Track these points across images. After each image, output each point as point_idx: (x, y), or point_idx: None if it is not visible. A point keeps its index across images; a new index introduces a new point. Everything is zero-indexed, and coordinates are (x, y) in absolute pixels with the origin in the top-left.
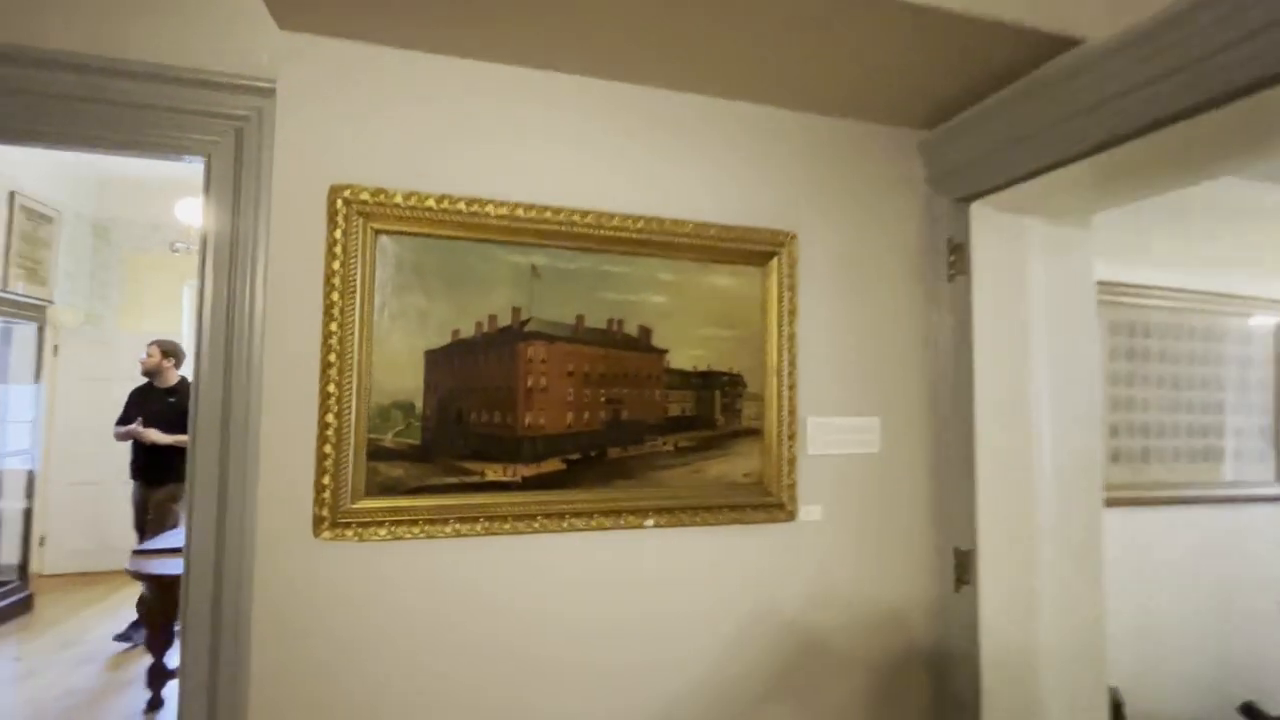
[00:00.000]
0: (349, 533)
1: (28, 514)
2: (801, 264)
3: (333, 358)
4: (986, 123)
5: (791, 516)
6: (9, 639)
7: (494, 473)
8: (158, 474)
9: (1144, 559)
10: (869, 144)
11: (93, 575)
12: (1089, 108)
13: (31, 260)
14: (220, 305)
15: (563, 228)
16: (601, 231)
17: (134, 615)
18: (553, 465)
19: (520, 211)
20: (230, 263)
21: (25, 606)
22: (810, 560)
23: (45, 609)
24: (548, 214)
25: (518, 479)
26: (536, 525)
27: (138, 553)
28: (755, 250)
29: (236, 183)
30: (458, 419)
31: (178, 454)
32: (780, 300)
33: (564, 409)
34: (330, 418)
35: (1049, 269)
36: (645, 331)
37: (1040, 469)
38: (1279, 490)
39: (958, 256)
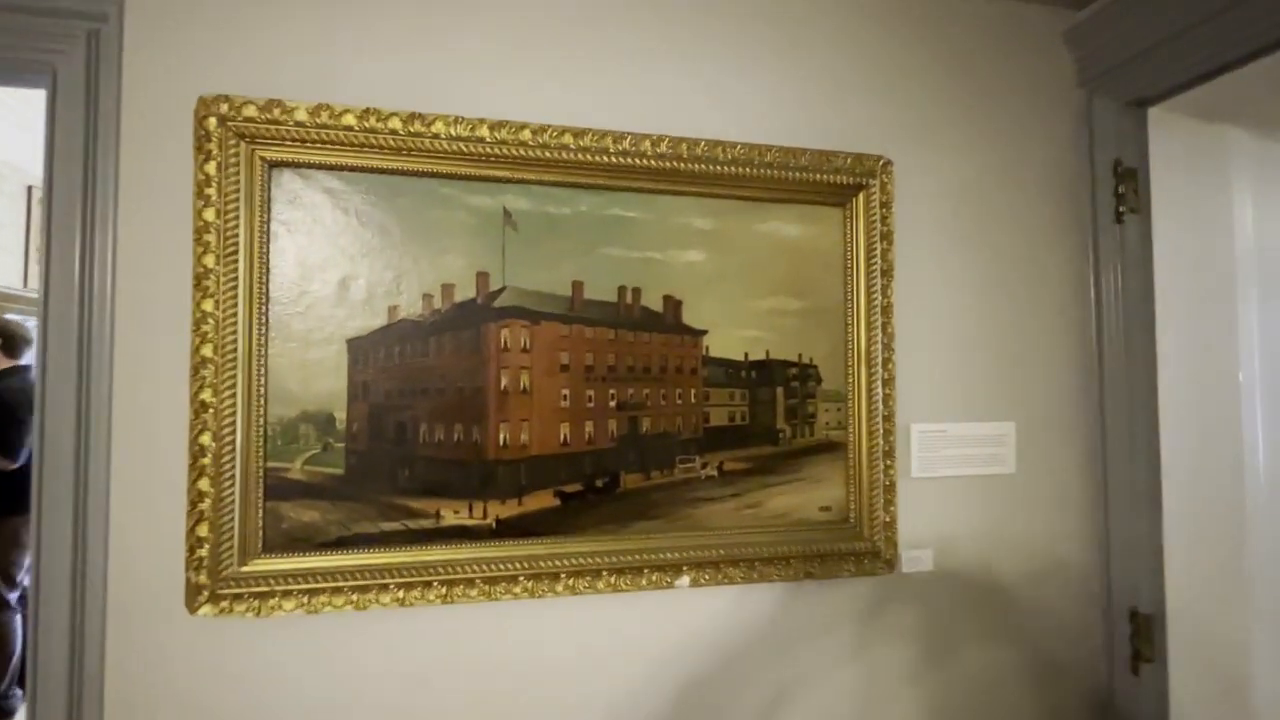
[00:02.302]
0: (240, 606)
1: None
2: (900, 203)
3: (207, 351)
4: None
5: (890, 567)
6: None
7: (454, 514)
8: None
9: None
10: (995, 31)
11: None
12: None
13: None
14: (69, 285)
15: (549, 154)
16: (607, 159)
17: None
18: (541, 501)
19: (485, 131)
20: (84, 225)
21: None
22: (918, 629)
23: None
24: (526, 134)
25: (489, 522)
26: (518, 590)
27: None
28: (832, 183)
29: (90, 110)
30: (399, 437)
31: (19, 472)
32: (870, 255)
33: (556, 419)
34: (206, 439)
35: (1263, 204)
36: (674, 304)
37: (1252, 490)
38: None
39: (1130, 187)
